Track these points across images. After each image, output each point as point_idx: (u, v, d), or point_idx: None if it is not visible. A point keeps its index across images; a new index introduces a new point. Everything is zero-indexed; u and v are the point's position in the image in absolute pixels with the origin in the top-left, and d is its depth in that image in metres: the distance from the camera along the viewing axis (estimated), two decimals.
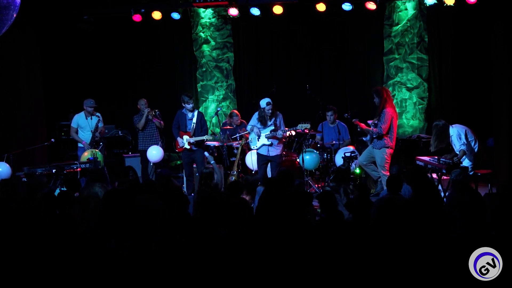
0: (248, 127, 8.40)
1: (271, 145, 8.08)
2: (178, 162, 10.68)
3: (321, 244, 4.29)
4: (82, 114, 8.96)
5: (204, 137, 8.55)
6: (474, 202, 5.31)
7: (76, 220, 5.02)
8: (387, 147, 7.85)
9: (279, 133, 7.98)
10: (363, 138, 8.61)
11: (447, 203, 5.74)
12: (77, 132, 8.95)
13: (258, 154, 8.24)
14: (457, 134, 7.35)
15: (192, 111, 8.63)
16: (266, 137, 8.07)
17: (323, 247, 4.25)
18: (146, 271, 4.16)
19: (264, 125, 8.10)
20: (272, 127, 8.05)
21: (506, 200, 4.94)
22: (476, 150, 7.40)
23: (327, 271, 4.03)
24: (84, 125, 8.89)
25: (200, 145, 8.67)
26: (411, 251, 4.17)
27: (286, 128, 8.02)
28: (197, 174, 8.81)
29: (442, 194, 7.04)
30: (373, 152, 7.93)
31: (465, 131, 7.40)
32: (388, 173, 7.57)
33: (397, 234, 4.40)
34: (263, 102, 8.03)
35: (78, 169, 8.14)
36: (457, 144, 7.34)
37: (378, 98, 7.93)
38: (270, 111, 8.03)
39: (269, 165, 8.22)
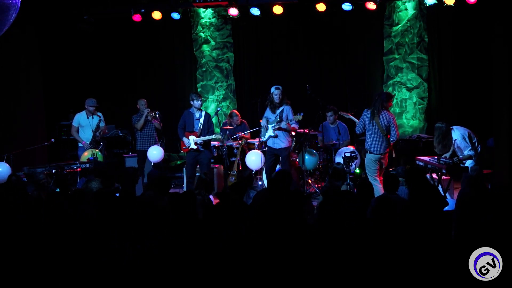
0: (262, 121, 8.34)
1: (276, 136, 8.10)
2: (178, 162, 10.68)
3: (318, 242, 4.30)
4: (83, 113, 8.98)
5: (213, 137, 8.53)
6: (484, 200, 5.33)
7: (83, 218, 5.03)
8: (369, 152, 7.44)
9: (283, 124, 7.99)
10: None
11: (459, 199, 5.77)
12: (78, 131, 8.96)
13: (267, 146, 8.31)
14: (461, 137, 7.33)
15: (200, 109, 8.61)
16: (272, 129, 8.11)
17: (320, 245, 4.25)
18: (149, 270, 4.16)
19: (273, 112, 8.13)
20: (278, 119, 8.09)
21: (506, 200, 4.94)
22: (479, 150, 7.40)
23: (326, 270, 4.03)
24: (85, 124, 8.91)
25: (207, 146, 8.63)
26: (411, 250, 4.17)
27: (289, 122, 8.02)
28: (197, 174, 8.81)
29: (442, 194, 7.02)
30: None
31: (468, 132, 7.39)
32: (379, 179, 7.27)
33: (395, 234, 4.40)
34: (273, 88, 8.09)
35: (78, 169, 8.14)
36: (465, 149, 7.31)
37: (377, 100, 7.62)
38: (277, 96, 8.03)
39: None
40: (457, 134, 7.37)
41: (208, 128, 8.54)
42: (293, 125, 8.01)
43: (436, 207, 5.24)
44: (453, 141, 7.38)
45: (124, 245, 4.30)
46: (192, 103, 8.54)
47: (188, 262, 4.15)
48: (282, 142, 8.09)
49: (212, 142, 9.47)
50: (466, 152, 7.32)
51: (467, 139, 7.30)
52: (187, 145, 8.49)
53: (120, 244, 4.32)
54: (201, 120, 8.52)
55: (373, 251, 4.14)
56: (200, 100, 8.57)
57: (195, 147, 8.45)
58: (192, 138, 8.46)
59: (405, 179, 6.06)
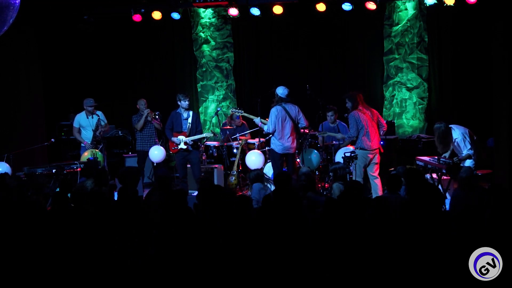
0: None
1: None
2: None
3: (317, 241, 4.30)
4: (83, 113, 8.99)
5: (203, 135, 8.54)
6: (480, 201, 5.34)
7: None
8: (359, 148, 7.67)
9: (257, 120, 8.27)
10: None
11: (452, 199, 5.79)
12: (79, 132, 8.96)
13: None
14: (461, 136, 7.33)
15: (188, 109, 8.61)
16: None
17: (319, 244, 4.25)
18: (149, 268, 4.16)
19: None
20: None
21: (505, 200, 4.94)
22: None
23: (324, 270, 4.03)
24: (86, 124, 8.92)
25: (196, 146, 8.64)
26: (410, 250, 4.17)
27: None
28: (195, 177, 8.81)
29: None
30: None
31: (468, 131, 7.40)
32: (378, 177, 7.55)
33: (395, 233, 4.40)
34: None
35: (78, 169, 8.14)
36: (464, 149, 7.32)
37: (350, 102, 7.86)
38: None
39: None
40: (457, 133, 7.38)
41: (196, 127, 8.55)
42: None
43: (435, 207, 5.24)
44: (453, 140, 7.39)
45: (120, 245, 4.30)
46: (179, 103, 8.55)
47: (186, 261, 4.15)
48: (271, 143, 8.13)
49: (212, 142, 9.47)
50: (465, 152, 7.32)
51: (467, 138, 7.31)
52: (177, 143, 8.47)
53: (116, 244, 4.33)
54: (189, 120, 8.53)
55: (373, 251, 4.14)
56: (188, 100, 8.55)
57: (184, 147, 8.45)
58: (181, 138, 8.46)
59: (404, 179, 6.07)
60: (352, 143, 9.31)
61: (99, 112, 8.96)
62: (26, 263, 4.33)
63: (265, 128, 7.99)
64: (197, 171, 8.53)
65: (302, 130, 8.43)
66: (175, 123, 8.57)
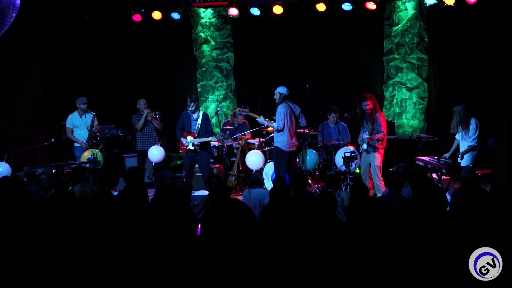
0: None
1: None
2: (178, 162, 10.68)
3: (317, 244, 4.29)
4: (75, 113, 8.98)
5: (209, 138, 8.50)
6: (479, 201, 5.35)
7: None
8: (383, 148, 8.03)
9: (260, 120, 8.25)
10: (360, 149, 8.40)
11: (453, 199, 5.80)
12: (72, 132, 8.95)
13: None
14: (474, 124, 7.44)
15: (194, 112, 8.57)
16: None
17: (319, 247, 4.25)
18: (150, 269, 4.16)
19: None
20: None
21: (506, 200, 4.94)
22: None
23: (325, 271, 4.03)
24: (79, 123, 8.91)
25: (205, 147, 8.59)
26: (411, 250, 4.18)
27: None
28: (197, 174, 8.80)
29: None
30: (370, 157, 7.96)
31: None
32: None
33: (396, 233, 4.41)
34: None
35: None
36: (471, 136, 7.39)
37: (374, 103, 8.03)
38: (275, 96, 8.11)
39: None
40: (473, 121, 7.48)
41: (206, 128, 8.50)
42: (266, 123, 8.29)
43: (437, 207, 5.24)
44: (470, 123, 7.47)
45: (120, 245, 4.31)
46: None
47: (185, 261, 4.16)
48: (274, 143, 8.12)
49: (212, 142, 9.47)
50: (469, 141, 7.38)
51: (478, 129, 7.40)
52: (185, 145, 8.46)
53: (116, 244, 4.33)
54: (199, 121, 8.49)
55: (373, 251, 4.14)
56: (192, 106, 8.41)
57: (192, 147, 8.42)
58: (189, 138, 8.43)
59: (407, 179, 6.06)
60: (352, 142, 9.32)
61: (92, 112, 8.96)
62: (26, 262, 4.34)
63: (275, 126, 7.97)
64: (206, 172, 8.49)
65: (302, 130, 8.43)
66: (185, 123, 8.54)
